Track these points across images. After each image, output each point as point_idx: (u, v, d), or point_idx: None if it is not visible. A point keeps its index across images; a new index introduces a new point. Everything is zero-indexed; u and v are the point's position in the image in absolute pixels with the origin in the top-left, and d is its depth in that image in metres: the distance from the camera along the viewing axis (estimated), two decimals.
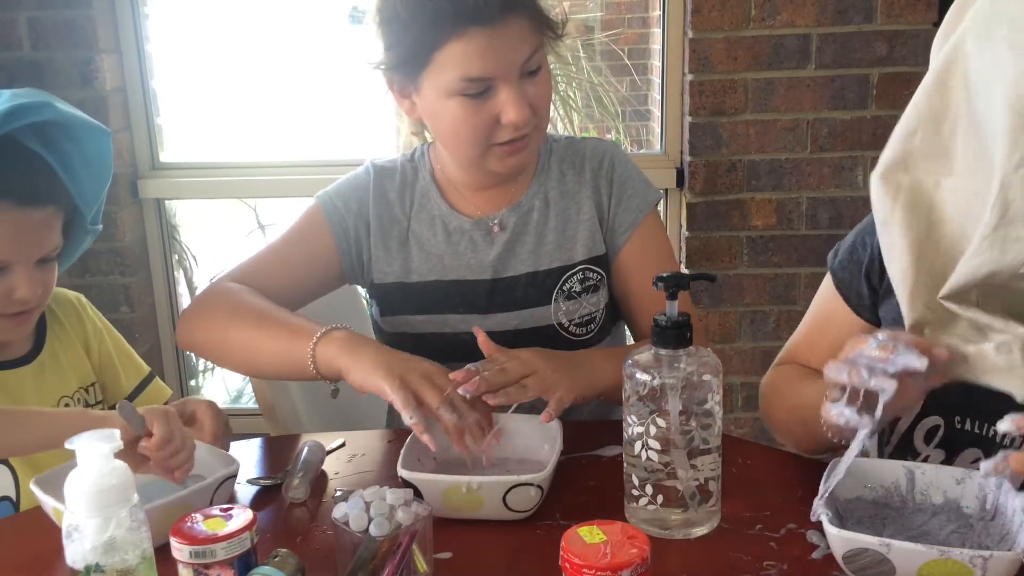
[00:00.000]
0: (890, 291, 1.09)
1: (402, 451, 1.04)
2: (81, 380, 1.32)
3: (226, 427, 1.16)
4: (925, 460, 1.06)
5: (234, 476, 1.05)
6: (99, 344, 1.36)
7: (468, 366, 1.09)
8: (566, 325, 1.31)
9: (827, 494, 0.89)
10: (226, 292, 1.25)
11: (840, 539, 0.84)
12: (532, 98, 1.19)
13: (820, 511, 0.86)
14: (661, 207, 2.51)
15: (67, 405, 1.27)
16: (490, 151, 1.22)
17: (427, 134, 1.37)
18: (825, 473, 0.92)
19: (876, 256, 1.11)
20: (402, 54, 1.18)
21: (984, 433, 1.02)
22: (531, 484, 0.98)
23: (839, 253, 1.16)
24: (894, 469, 0.96)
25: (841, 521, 0.90)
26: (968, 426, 1.03)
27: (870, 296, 1.12)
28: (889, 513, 0.94)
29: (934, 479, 0.94)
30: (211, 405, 1.16)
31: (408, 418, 1.02)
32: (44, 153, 1.19)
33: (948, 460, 1.05)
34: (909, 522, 0.93)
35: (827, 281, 1.18)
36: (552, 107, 1.42)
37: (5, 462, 1.20)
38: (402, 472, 1.00)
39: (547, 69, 1.23)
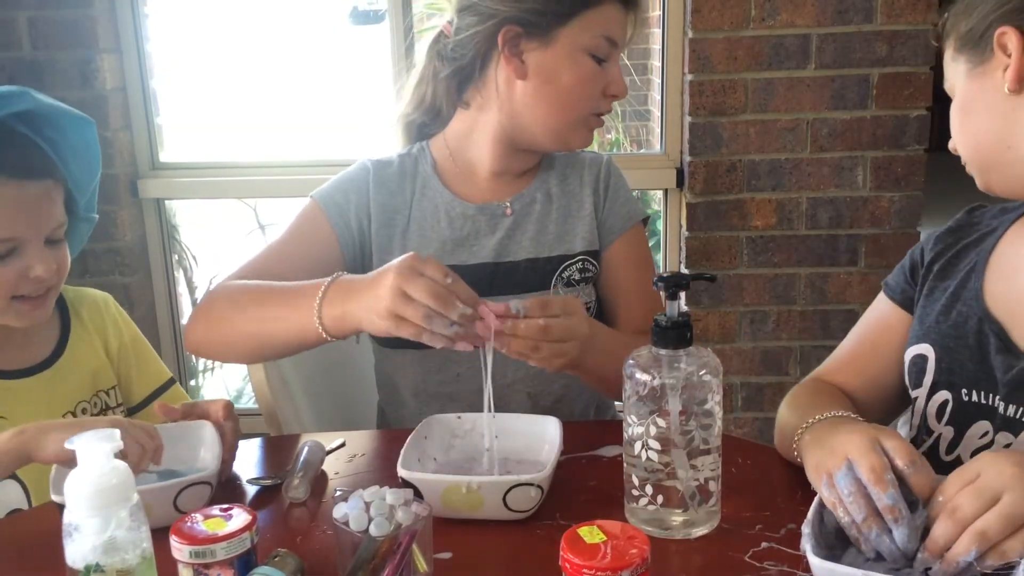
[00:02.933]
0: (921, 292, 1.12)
1: (402, 451, 1.04)
2: (98, 383, 1.31)
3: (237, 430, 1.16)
4: (938, 439, 1.06)
5: (204, 483, 1.02)
6: (118, 341, 1.35)
7: (510, 304, 1.05)
8: None
9: (815, 520, 0.87)
10: (226, 289, 1.25)
11: (822, 569, 0.81)
12: None
13: (804, 541, 0.85)
14: (661, 207, 2.53)
15: (84, 410, 1.27)
16: (584, 120, 1.31)
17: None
18: (815, 500, 0.90)
19: (918, 258, 1.15)
20: (554, 5, 1.25)
21: (991, 404, 1.02)
22: (531, 484, 0.97)
23: (890, 275, 1.20)
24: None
25: (838, 541, 0.88)
26: (975, 397, 1.03)
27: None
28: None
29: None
30: (228, 408, 1.15)
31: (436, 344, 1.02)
32: (34, 137, 1.20)
33: (957, 437, 1.04)
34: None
35: (878, 300, 1.21)
36: None
37: (15, 476, 1.19)
38: (402, 472, 1.00)
39: None
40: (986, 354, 1.03)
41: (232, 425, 1.14)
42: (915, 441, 1.10)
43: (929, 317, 1.10)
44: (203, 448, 1.11)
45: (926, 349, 1.09)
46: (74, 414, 1.26)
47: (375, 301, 1.04)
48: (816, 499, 0.90)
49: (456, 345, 1.02)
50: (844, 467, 0.87)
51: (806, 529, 0.86)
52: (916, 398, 1.10)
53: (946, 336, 1.07)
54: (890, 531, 0.83)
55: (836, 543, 0.88)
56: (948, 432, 1.06)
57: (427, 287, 1.00)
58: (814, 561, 0.81)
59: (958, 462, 1.01)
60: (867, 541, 0.85)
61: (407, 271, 1.02)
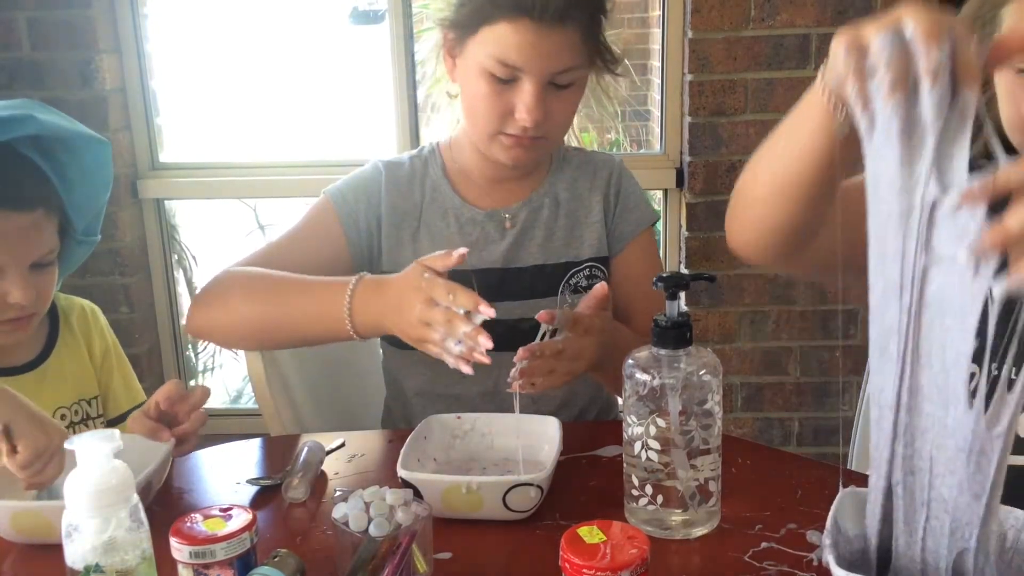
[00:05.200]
0: None
1: (402, 451, 1.04)
2: (81, 392, 1.30)
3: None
4: None
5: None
6: (102, 350, 1.35)
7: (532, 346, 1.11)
8: None
9: (834, 528, 0.83)
10: (236, 275, 1.24)
11: None
12: (551, 109, 1.22)
13: (826, 553, 0.80)
14: (661, 207, 2.52)
15: (63, 416, 1.26)
16: (496, 138, 1.25)
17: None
18: (832, 507, 0.87)
19: None
20: (462, 15, 1.22)
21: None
22: (531, 484, 0.98)
23: None
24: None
25: (858, 553, 0.86)
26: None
27: None
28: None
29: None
30: (168, 394, 1.11)
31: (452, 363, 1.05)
32: (39, 160, 1.18)
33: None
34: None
35: None
36: None
37: None
38: (402, 472, 1.00)
39: (579, 91, 1.26)
40: None
41: (187, 407, 1.11)
42: None
43: None
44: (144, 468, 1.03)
45: None
46: None
47: (408, 327, 1.07)
48: (833, 507, 0.84)
49: (461, 366, 1.03)
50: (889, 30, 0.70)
51: (827, 540, 0.81)
52: None
53: None
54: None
55: (856, 555, 0.84)
56: None
57: (442, 316, 1.02)
58: (839, 574, 0.76)
59: None
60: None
61: (426, 299, 1.04)
